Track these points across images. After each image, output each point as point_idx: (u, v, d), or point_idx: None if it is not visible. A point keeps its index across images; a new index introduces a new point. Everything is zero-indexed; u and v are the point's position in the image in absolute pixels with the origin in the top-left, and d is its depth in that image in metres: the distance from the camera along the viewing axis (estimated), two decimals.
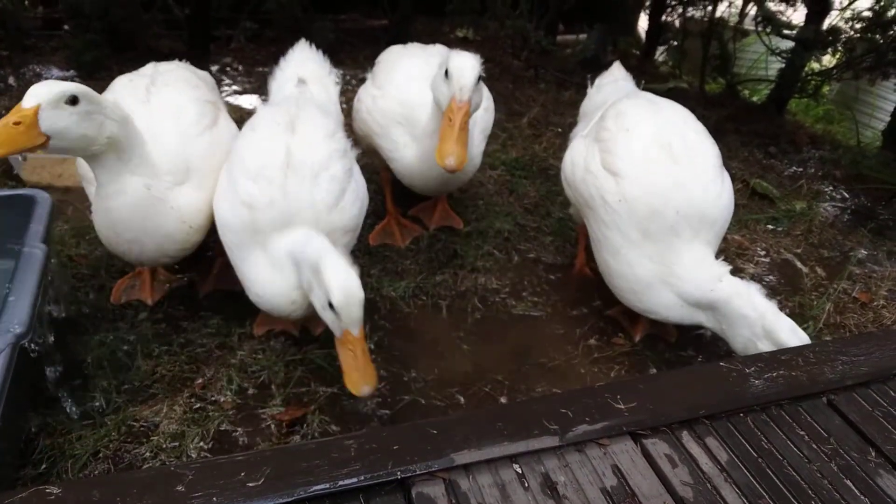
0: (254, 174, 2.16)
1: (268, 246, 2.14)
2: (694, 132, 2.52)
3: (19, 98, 1.87)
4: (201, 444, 2.06)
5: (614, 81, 3.19)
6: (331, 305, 1.91)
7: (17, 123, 1.81)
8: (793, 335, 2.18)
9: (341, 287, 1.91)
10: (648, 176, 2.36)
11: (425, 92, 2.59)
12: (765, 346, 2.20)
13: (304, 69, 2.84)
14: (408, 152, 2.76)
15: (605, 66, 3.25)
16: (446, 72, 2.33)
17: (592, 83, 3.30)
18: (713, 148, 2.51)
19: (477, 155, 2.87)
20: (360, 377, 1.95)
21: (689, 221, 2.33)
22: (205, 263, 2.81)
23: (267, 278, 2.16)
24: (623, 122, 2.51)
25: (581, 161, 2.59)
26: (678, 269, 2.33)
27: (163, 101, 2.42)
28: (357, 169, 2.48)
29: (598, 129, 2.59)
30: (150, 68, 2.65)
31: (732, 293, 2.28)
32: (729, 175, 2.54)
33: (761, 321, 2.22)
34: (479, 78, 2.37)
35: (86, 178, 2.38)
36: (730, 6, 5.59)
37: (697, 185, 2.36)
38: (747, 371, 1.91)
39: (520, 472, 1.56)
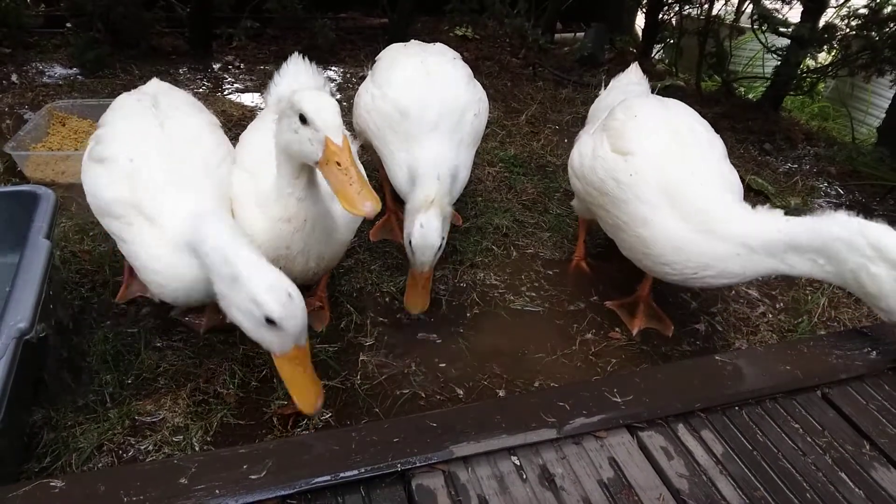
0: (248, 164, 2.27)
1: None
2: (700, 125, 2.55)
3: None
4: (204, 437, 2.08)
5: (628, 85, 3.18)
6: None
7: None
8: None
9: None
10: (659, 154, 2.36)
11: (420, 94, 2.67)
12: (883, 270, 1.88)
13: (296, 82, 2.88)
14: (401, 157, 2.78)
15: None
16: (410, 243, 2.38)
17: (605, 86, 3.29)
18: (718, 141, 2.54)
19: (465, 166, 2.81)
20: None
21: (712, 181, 2.29)
22: None
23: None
24: (631, 111, 2.56)
25: (589, 151, 2.62)
26: (732, 222, 2.17)
27: (177, 128, 2.29)
28: None
29: (607, 121, 2.63)
30: (153, 86, 2.57)
31: (815, 220, 2.02)
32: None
33: (862, 236, 1.91)
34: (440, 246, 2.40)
35: (122, 218, 2.09)
36: (726, 4, 5.61)
37: (708, 162, 2.37)
38: (742, 364, 1.93)
39: (518, 464, 1.59)
